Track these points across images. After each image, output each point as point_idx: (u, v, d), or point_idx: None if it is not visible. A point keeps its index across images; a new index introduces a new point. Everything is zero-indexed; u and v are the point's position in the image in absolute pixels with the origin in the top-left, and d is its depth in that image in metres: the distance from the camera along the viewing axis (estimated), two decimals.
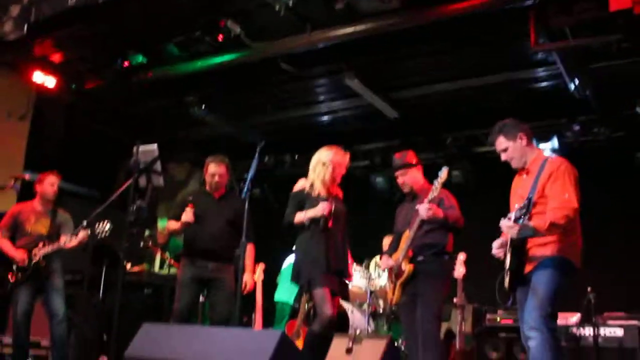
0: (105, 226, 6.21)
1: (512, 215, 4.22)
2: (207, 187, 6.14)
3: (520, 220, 4.17)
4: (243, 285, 5.64)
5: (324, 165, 5.32)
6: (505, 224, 4.24)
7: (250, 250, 5.86)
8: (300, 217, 5.24)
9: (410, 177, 5.70)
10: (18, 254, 6.55)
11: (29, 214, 6.74)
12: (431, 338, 5.18)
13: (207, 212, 5.95)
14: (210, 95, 9.18)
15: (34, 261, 6.50)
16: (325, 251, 5.18)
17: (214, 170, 6.07)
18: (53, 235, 6.65)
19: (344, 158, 5.44)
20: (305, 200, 5.33)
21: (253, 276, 5.96)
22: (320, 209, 5.16)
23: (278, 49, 7.46)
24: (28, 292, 6.56)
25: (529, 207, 4.21)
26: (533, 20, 6.35)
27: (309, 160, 5.62)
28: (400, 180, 5.76)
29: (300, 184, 5.41)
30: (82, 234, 6.44)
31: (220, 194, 6.16)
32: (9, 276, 6.61)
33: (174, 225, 5.92)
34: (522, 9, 6.34)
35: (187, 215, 5.80)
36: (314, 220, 5.22)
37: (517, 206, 4.37)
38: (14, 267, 6.56)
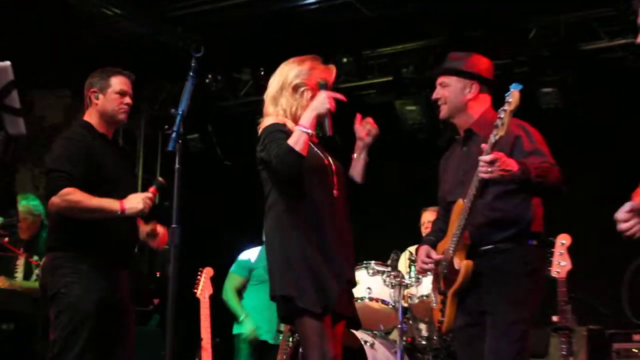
0: None
1: None
2: (99, 123, 4.79)
3: None
4: None
5: (293, 91, 4.39)
6: None
7: None
8: (296, 139, 4.18)
9: (452, 92, 4.65)
10: None
11: None
12: None
13: (119, 177, 4.82)
14: None
15: None
16: (322, 246, 4.22)
17: (125, 87, 4.77)
18: None
19: (328, 74, 4.50)
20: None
21: None
22: (322, 103, 4.21)
23: None
24: None
25: None
26: None
27: None
28: (435, 93, 4.77)
29: (272, 120, 4.43)
30: None
31: (111, 136, 4.96)
32: None
33: (94, 202, 4.54)
34: None
35: (149, 202, 4.70)
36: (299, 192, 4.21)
37: None
38: None
